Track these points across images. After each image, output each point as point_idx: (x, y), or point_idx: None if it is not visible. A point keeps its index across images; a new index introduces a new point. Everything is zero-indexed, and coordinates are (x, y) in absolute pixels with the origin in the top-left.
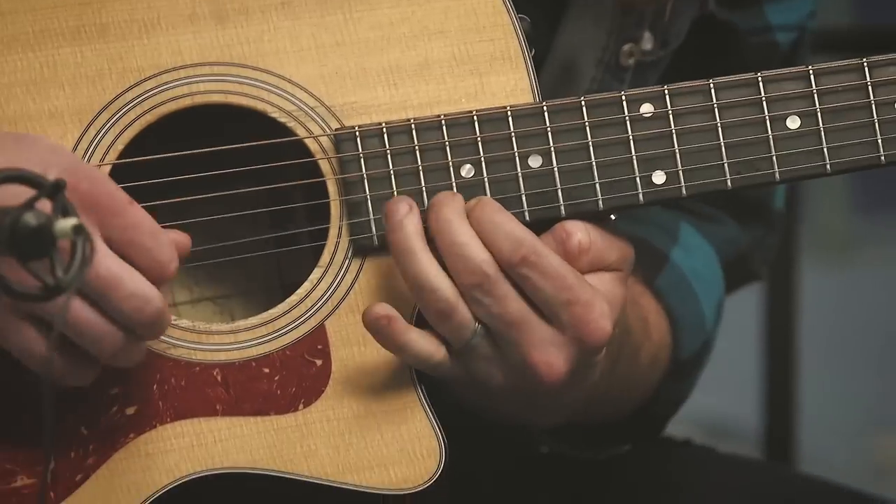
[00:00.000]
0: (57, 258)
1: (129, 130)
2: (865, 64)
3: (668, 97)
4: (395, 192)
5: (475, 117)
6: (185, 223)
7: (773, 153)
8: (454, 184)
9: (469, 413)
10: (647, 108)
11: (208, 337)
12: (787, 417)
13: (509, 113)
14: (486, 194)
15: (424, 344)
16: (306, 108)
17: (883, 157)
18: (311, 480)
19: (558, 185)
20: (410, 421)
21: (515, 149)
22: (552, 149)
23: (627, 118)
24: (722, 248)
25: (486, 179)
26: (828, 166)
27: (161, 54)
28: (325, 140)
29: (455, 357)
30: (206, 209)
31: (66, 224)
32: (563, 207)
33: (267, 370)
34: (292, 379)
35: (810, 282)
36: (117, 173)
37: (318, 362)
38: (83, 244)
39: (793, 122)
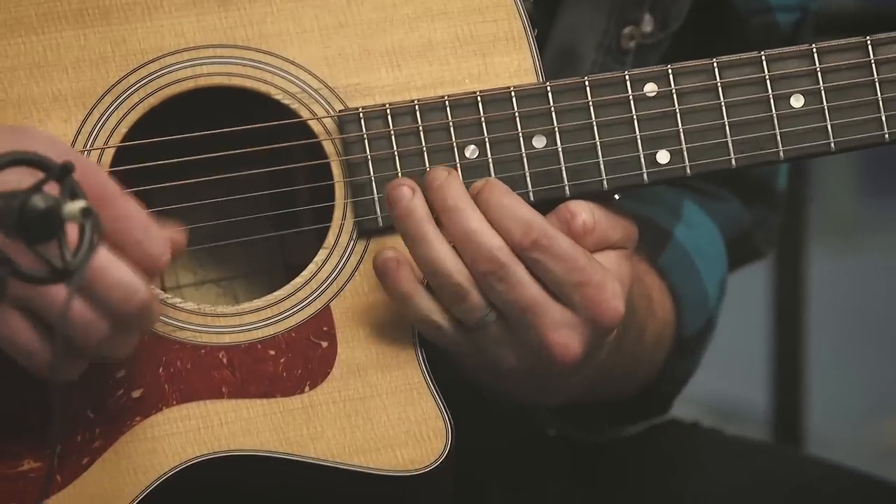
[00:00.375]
0: (65, 241)
1: (132, 113)
2: (869, 42)
3: (671, 76)
4: (400, 174)
5: (479, 98)
6: (189, 205)
7: (778, 132)
8: (458, 164)
9: (476, 395)
10: (650, 88)
11: (214, 319)
12: (796, 400)
13: (513, 93)
14: (490, 175)
15: (429, 301)
16: (310, 90)
17: (887, 135)
18: (317, 462)
19: (562, 165)
20: (417, 402)
21: (519, 129)
22: (556, 129)
23: (631, 98)
24: (725, 225)
25: (490, 160)
26: (832, 144)
27: (164, 37)
28: (328, 122)
29: (465, 334)
30: (210, 192)
31: (74, 207)
32: (567, 187)
33: (273, 352)
34: (298, 361)
35: (818, 266)
36: (121, 156)
37: (324, 344)
38: (91, 227)
39: (797, 101)
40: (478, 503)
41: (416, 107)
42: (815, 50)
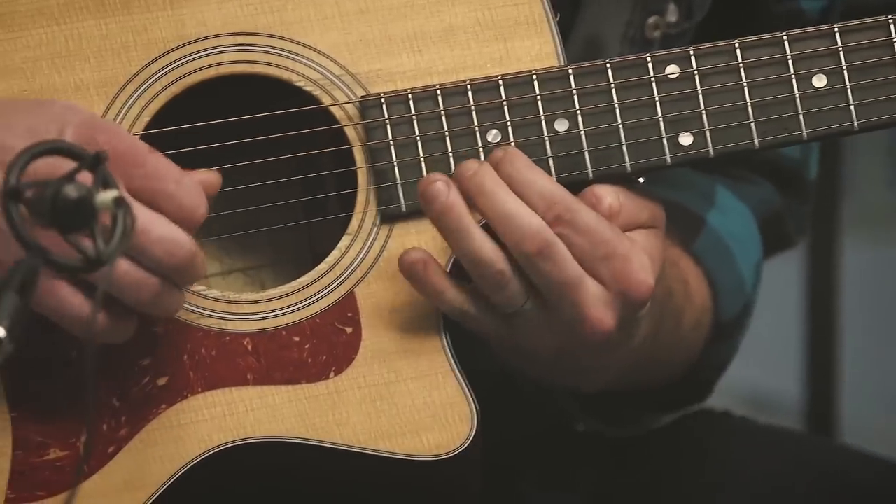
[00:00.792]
0: (98, 230)
1: (154, 102)
2: (891, 21)
3: (693, 58)
4: (422, 158)
5: (501, 82)
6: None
7: (800, 112)
8: (481, 149)
9: (505, 385)
10: (672, 70)
11: (238, 306)
12: (829, 389)
13: (535, 77)
14: None
15: (461, 293)
16: (331, 77)
17: None
18: (343, 448)
19: (585, 149)
20: (442, 387)
21: (542, 113)
22: (578, 112)
23: (653, 80)
24: (758, 207)
25: (512, 144)
26: (855, 124)
27: (185, 25)
28: (350, 108)
29: (502, 319)
30: (233, 180)
31: (106, 196)
32: (590, 171)
33: (297, 339)
34: (323, 347)
35: (852, 255)
36: None
37: (349, 330)
38: (124, 216)
39: (819, 81)
40: (508, 491)
41: (438, 91)
42: (836, 30)
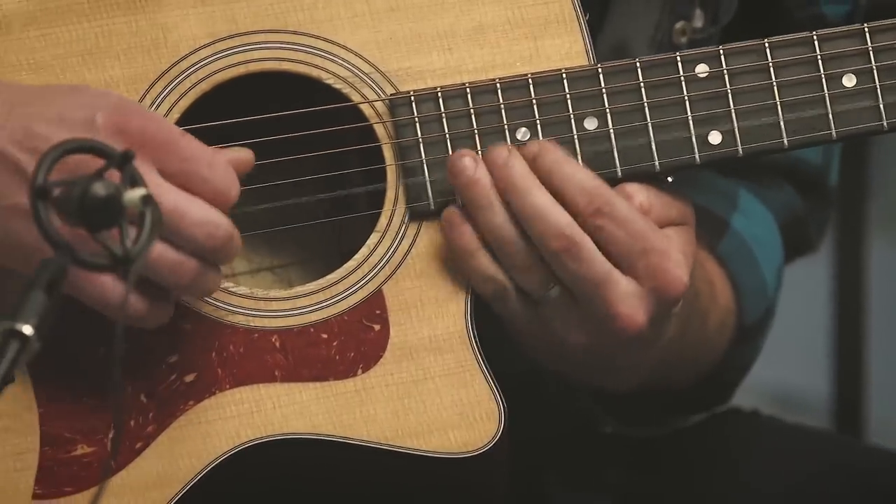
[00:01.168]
0: (125, 228)
1: (184, 99)
2: None
3: (723, 57)
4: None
5: (530, 80)
6: (242, 189)
7: (830, 112)
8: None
9: (533, 384)
10: (702, 69)
11: (266, 303)
12: (857, 388)
13: (564, 75)
14: None
15: (491, 263)
16: (361, 74)
17: None
18: (370, 445)
19: (614, 147)
20: (469, 384)
21: (571, 111)
22: (607, 110)
23: (682, 78)
24: (780, 211)
25: None
26: (885, 124)
27: (215, 22)
28: (380, 105)
29: (529, 304)
30: (263, 178)
31: (134, 194)
32: (619, 170)
33: (325, 336)
34: (351, 344)
35: (879, 255)
36: None
37: (377, 327)
38: (151, 214)
39: (849, 80)
40: (535, 491)
41: (468, 89)
42: (866, 29)
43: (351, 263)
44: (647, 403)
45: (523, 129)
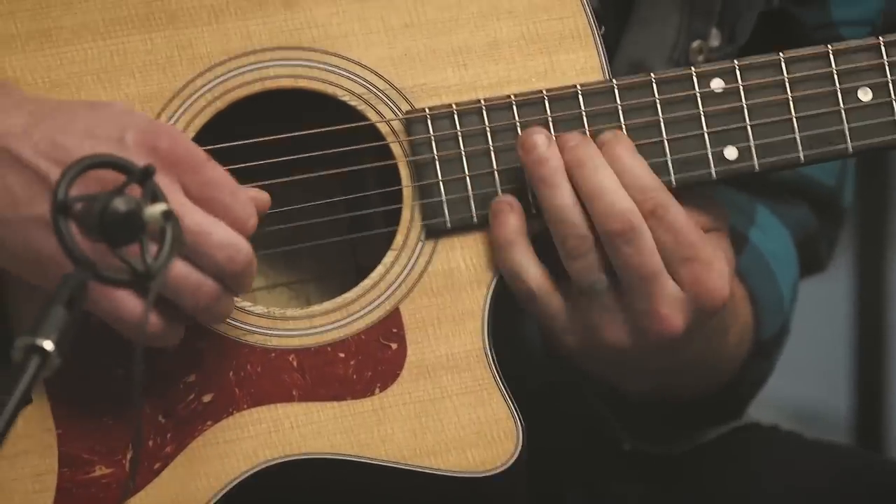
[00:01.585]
0: (146, 243)
1: (200, 117)
2: None
3: (738, 72)
4: (467, 175)
5: (545, 96)
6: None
7: (846, 126)
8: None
9: (551, 400)
10: (717, 84)
11: (283, 322)
12: (877, 404)
13: (580, 91)
14: None
15: (528, 258)
16: (376, 91)
17: None
18: (388, 464)
19: None
20: (487, 403)
21: (587, 127)
22: (623, 126)
23: (698, 94)
24: (795, 228)
25: None
26: None
27: (230, 40)
28: (395, 123)
29: (572, 301)
30: (278, 195)
31: (155, 210)
32: None
33: (342, 355)
34: (368, 363)
35: None
36: None
37: (394, 346)
38: (172, 230)
39: (864, 95)
40: None
41: (483, 106)
42: (882, 43)
43: (367, 282)
44: (660, 417)
45: None
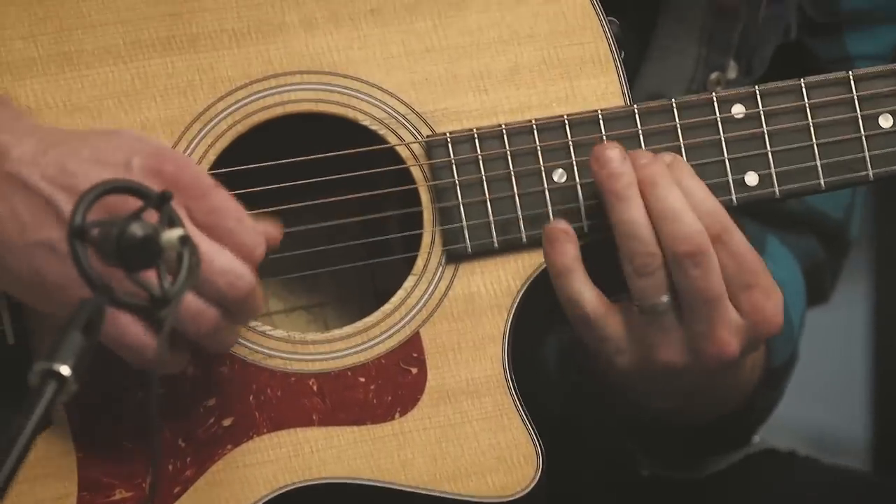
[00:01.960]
0: (163, 269)
1: (220, 141)
2: None
3: (759, 97)
4: (488, 199)
5: (566, 121)
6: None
7: (867, 152)
8: (546, 189)
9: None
10: (738, 109)
11: (303, 347)
12: (895, 430)
13: (600, 116)
14: (578, 199)
15: (584, 285)
16: (397, 115)
17: None
18: (408, 489)
19: None
20: (507, 428)
21: None
22: None
23: (719, 119)
24: (802, 258)
25: (578, 184)
26: None
27: (251, 64)
28: (416, 147)
29: (627, 321)
30: (299, 219)
31: (172, 235)
32: None
33: (363, 379)
34: (388, 388)
35: None
36: None
37: (414, 371)
38: (189, 255)
39: (885, 121)
40: None
41: (504, 131)
42: None
43: (388, 306)
44: (671, 442)
45: (560, 170)
